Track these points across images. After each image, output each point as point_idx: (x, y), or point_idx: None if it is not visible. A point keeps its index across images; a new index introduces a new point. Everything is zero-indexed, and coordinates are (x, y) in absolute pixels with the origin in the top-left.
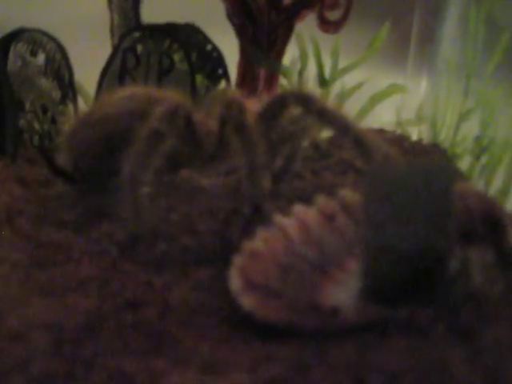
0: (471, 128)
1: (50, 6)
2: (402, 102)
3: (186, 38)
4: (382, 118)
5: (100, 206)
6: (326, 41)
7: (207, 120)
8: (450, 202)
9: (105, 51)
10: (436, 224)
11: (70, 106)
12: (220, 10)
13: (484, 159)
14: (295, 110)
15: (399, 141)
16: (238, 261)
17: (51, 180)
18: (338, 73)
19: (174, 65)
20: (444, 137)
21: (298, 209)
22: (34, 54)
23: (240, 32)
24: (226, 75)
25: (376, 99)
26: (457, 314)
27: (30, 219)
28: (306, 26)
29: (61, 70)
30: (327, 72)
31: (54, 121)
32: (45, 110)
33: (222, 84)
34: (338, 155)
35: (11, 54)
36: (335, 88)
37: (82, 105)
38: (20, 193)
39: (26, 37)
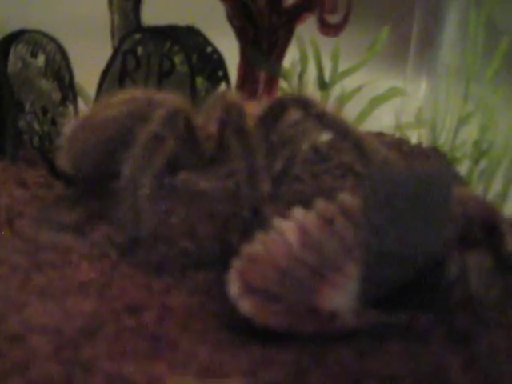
0: (470, 132)
1: (50, 7)
2: (401, 105)
3: (187, 40)
4: (382, 121)
5: (100, 208)
6: (326, 44)
7: (207, 123)
8: (449, 206)
9: (105, 52)
10: (435, 228)
11: (70, 108)
12: (220, 12)
13: (483, 163)
14: (295, 114)
15: (398, 144)
16: (237, 264)
17: (51, 182)
18: (337, 76)
19: (174, 67)
20: (443, 140)
21: (298, 212)
22: (34, 55)
23: (240, 34)
24: (226, 77)
25: (375, 102)
26: (455, 319)
27: (29, 221)
28: (307, 29)
29: (61, 72)
30: (327, 75)
31: (54, 122)
32: (45, 112)
33: (222, 86)
34: (337, 159)
35: (11, 55)
36: (335, 91)
37: (82, 106)
38: (20, 194)
39: (27, 38)
